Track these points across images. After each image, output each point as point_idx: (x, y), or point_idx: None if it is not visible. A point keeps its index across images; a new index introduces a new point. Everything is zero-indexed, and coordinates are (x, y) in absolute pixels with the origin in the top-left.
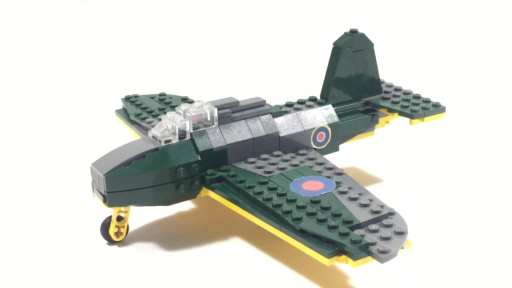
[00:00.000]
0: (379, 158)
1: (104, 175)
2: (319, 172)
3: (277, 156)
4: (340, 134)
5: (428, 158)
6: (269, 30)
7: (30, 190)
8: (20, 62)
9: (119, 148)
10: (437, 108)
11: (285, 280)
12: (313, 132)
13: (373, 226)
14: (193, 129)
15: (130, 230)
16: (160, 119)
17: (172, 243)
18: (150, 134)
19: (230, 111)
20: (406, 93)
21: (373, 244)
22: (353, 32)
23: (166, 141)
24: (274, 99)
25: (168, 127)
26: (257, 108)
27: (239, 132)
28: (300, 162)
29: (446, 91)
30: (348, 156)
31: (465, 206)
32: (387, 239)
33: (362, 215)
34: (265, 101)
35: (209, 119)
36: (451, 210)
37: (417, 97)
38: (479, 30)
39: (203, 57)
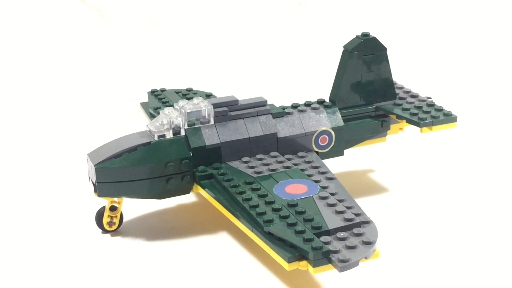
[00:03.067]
0: (387, 165)
1: (94, 165)
2: (310, 175)
3: (273, 157)
4: (345, 138)
5: (439, 169)
6: (268, 30)
7: (41, 178)
8: (19, 61)
9: (116, 140)
10: (448, 118)
11: (260, 278)
12: (315, 135)
13: (341, 234)
14: (189, 126)
15: (125, 220)
16: None
17: (162, 236)
18: (147, 128)
19: (227, 110)
20: (422, 100)
21: (335, 252)
22: (365, 35)
23: (159, 136)
24: (281, 100)
25: (163, 122)
26: (257, 107)
27: (235, 130)
28: (295, 164)
29: (467, 100)
30: (356, 161)
31: (467, 222)
32: (352, 248)
33: (333, 222)
34: (266, 101)
35: (206, 116)
36: (450, 226)
37: (431, 104)
38: (500, 34)
39: (203, 58)
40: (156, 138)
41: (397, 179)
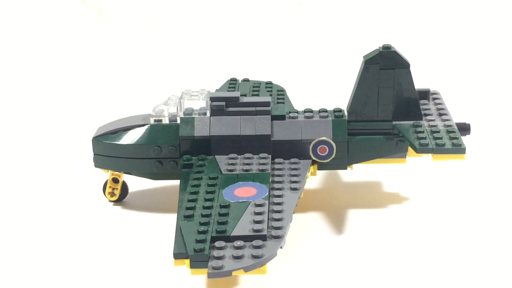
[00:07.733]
0: (396, 188)
1: (92, 138)
2: (278, 182)
3: (262, 158)
4: (350, 152)
5: (453, 202)
6: (267, 30)
7: (41, 174)
8: (19, 61)
9: (123, 118)
10: (455, 148)
11: None
12: (313, 143)
13: (238, 243)
14: (185, 115)
15: (131, 191)
16: None
17: (162, 211)
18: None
19: (223, 104)
20: (448, 125)
21: (217, 258)
22: (386, 48)
23: (156, 121)
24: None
25: (163, 108)
26: (257, 107)
27: (228, 126)
28: (278, 169)
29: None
30: (365, 177)
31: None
32: (237, 258)
33: (241, 229)
34: (269, 101)
35: (205, 108)
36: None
37: (451, 131)
38: None
39: (203, 58)
40: (152, 122)
41: (398, 202)
